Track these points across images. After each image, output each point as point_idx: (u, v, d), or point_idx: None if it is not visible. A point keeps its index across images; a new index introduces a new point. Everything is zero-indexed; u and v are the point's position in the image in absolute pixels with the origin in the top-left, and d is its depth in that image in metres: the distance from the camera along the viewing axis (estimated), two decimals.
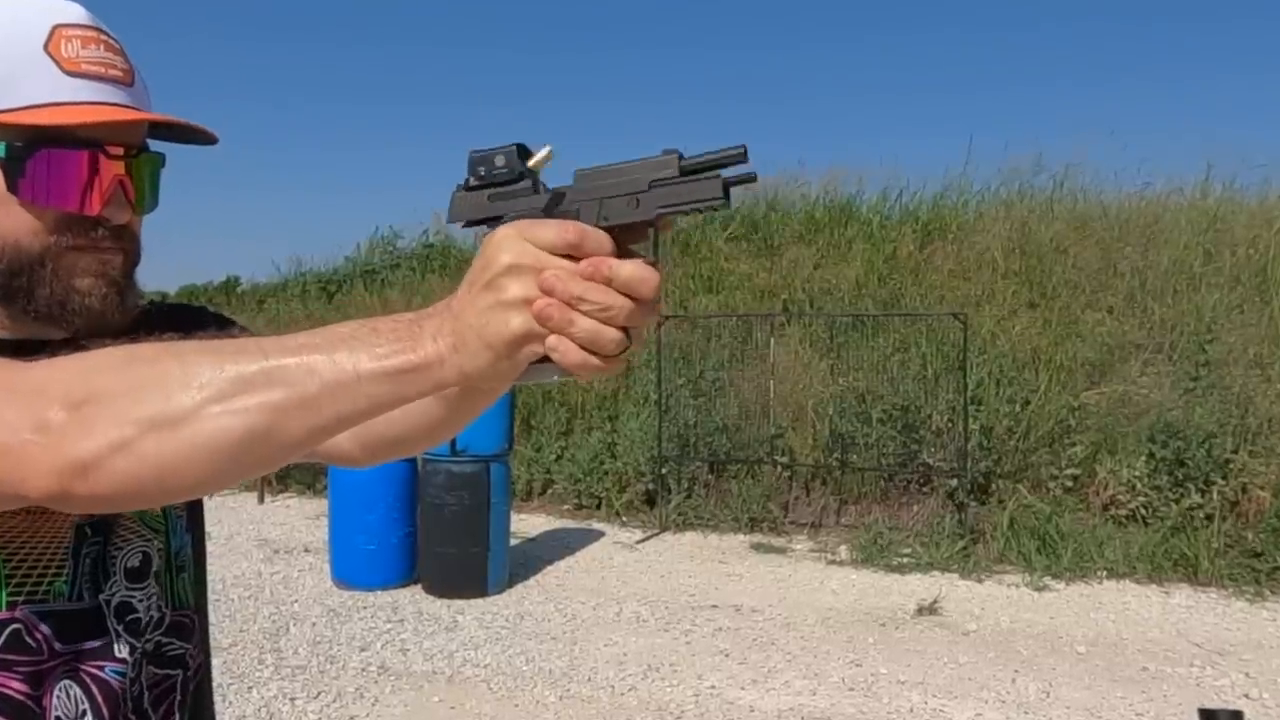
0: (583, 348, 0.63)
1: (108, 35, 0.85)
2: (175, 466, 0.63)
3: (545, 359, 0.64)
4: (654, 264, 0.65)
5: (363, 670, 4.81)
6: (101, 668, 0.86)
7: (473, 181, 0.72)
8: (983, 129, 32.09)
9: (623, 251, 0.66)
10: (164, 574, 0.94)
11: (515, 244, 0.64)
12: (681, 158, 0.66)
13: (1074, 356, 8.33)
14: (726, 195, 0.65)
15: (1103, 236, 9.91)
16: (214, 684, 1.04)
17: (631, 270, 0.63)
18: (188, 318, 1.02)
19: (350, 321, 0.67)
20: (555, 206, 0.69)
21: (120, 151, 0.84)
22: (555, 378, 0.66)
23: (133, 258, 0.89)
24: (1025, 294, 9.36)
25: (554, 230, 0.64)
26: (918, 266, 10.19)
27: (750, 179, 0.66)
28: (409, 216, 28.00)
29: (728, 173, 0.65)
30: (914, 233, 10.74)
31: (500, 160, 0.71)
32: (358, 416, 0.65)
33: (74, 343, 0.81)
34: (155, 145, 0.90)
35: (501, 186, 0.71)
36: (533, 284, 0.63)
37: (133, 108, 0.85)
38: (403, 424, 0.96)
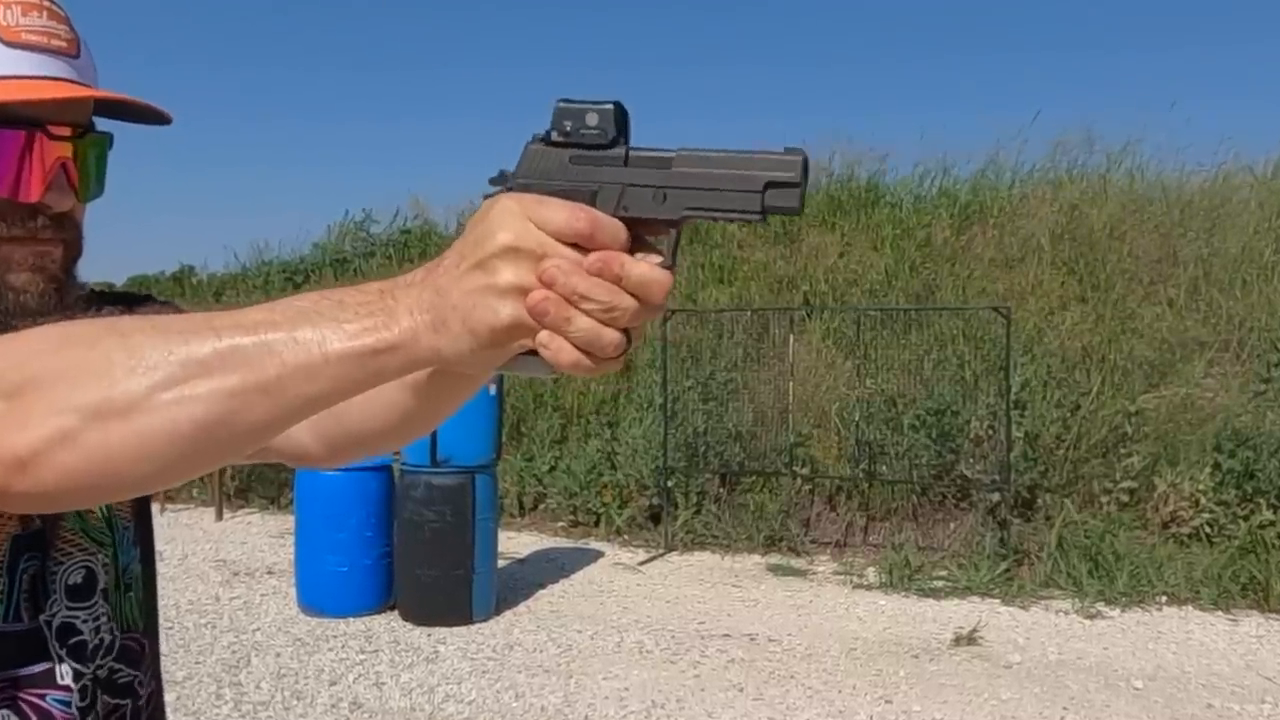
0: (578, 348, 0.63)
1: (51, 1, 0.86)
2: (123, 459, 0.63)
3: (534, 351, 0.64)
4: (670, 267, 0.65)
5: (333, 706, 4.82)
6: (43, 696, 0.86)
7: (555, 136, 0.68)
8: (1028, 100, 32.02)
9: (634, 241, 0.65)
10: (112, 592, 0.94)
11: (516, 222, 0.62)
12: (806, 161, 0.65)
13: (1130, 356, 8.33)
14: (763, 211, 0.64)
15: (1162, 221, 9.91)
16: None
17: (644, 272, 0.63)
18: (135, 306, 1.02)
19: (312, 293, 0.66)
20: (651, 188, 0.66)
21: (65, 132, 0.84)
22: (543, 373, 0.66)
23: (74, 249, 0.90)
24: (1075, 286, 9.36)
25: (564, 214, 0.62)
26: (954, 254, 10.19)
27: (794, 212, 0.65)
28: (383, 199, 28.14)
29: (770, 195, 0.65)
30: (950, 217, 10.75)
31: (593, 119, 0.67)
32: (323, 400, 0.65)
33: None
34: (102, 124, 0.90)
35: (589, 149, 0.68)
36: (530, 272, 0.62)
37: (79, 83, 0.85)
38: (369, 416, 0.94)
